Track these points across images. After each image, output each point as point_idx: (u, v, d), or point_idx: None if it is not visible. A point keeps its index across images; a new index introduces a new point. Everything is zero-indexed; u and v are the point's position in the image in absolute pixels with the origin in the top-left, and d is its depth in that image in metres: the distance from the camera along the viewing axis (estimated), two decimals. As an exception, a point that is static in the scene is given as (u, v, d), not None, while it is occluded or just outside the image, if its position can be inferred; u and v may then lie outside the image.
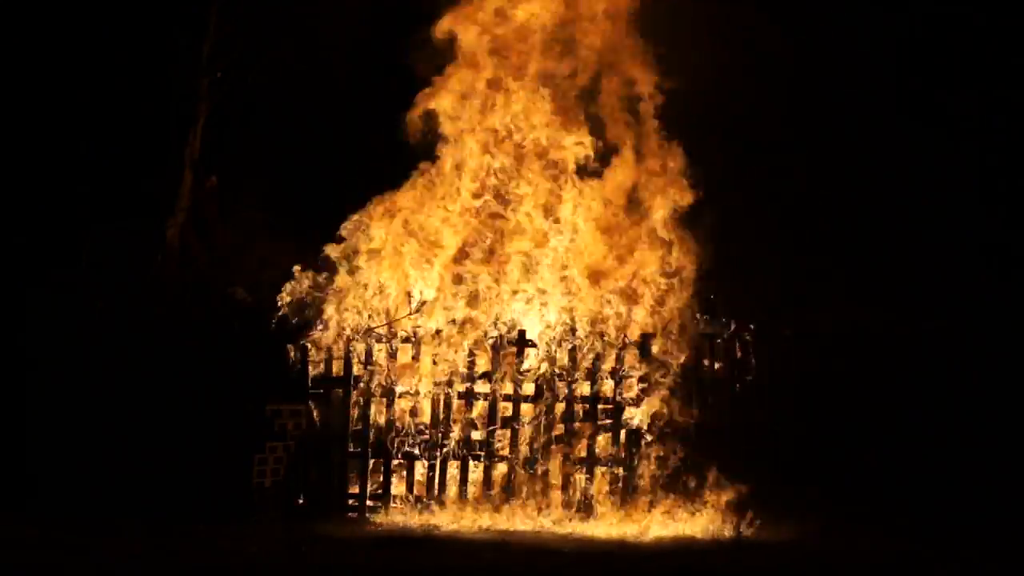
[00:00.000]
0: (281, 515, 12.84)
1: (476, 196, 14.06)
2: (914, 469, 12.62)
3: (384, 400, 13.34)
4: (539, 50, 14.16)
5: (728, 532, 12.41)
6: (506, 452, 13.21)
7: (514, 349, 13.32)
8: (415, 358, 13.36)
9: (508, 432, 13.26)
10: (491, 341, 13.37)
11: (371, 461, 13.35)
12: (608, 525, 12.69)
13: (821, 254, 15.79)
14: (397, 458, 13.33)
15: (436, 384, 13.30)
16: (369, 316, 13.69)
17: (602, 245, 13.92)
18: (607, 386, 13.21)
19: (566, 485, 13.06)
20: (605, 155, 14.16)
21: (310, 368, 13.40)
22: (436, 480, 13.24)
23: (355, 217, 14.07)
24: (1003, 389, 12.93)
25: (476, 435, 13.31)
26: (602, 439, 13.16)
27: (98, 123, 15.50)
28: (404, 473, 13.36)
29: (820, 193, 15.80)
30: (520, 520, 12.80)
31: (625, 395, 13.15)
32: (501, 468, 13.19)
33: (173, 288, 15.13)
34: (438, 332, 13.40)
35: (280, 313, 13.61)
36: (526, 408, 13.26)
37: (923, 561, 11.22)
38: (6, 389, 13.11)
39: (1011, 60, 16.01)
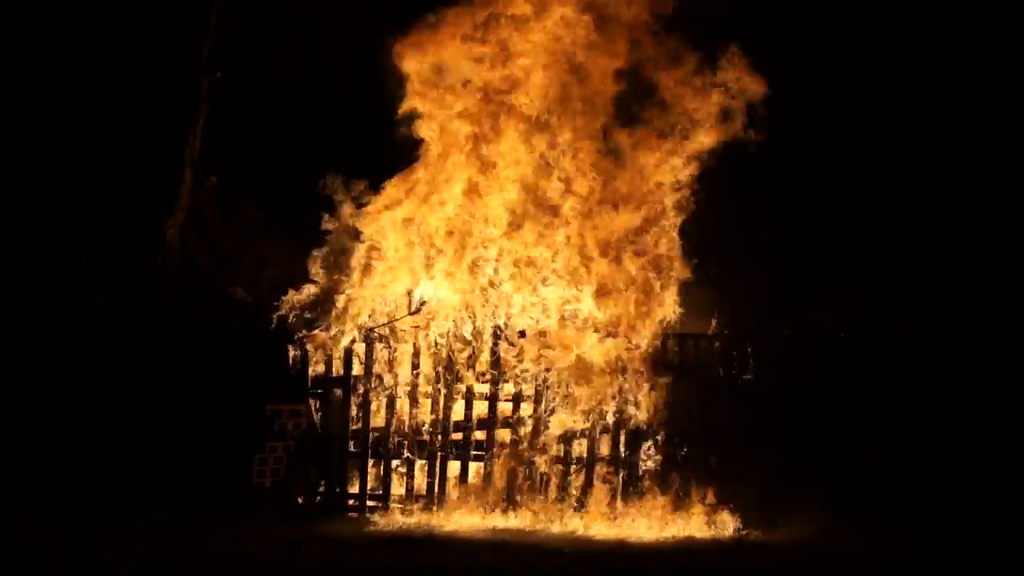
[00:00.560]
0: (281, 515, 12.84)
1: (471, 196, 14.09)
2: (915, 469, 12.61)
3: (384, 400, 13.34)
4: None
5: (728, 532, 12.41)
6: (505, 452, 13.20)
7: (515, 348, 13.32)
8: (415, 358, 13.37)
9: (508, 432, 13.25)
10: (491, 341, 13.37)
11: (371, 461, 13.35)
12: (608, 525, 12.68)
13: (821, 254, 15.78)
14: (397, 458, 13.33)
15: (436, 384, 13.29)
16: (369, 316, 13.69)
17: (602, 245, 13.93)
18: (607, 386, 13.18)
19: (566, 485, 13.06)
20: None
21: (310, 368, 13.40)
22: (436, 480, 13.24)
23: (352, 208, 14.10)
24: (1004, 389, 12.92)
25: (476, 435, 13.31)
26: (602, 440, 13.15)
27: (98, 123, 15.48)
28: (404, 473, 13.35)
29: (819, 193, 15.78)
30: (520, 520, 12.81)
31: (624, 396, 13.13)
32: (501, 468, 13.18)
33: (173, 288, 15.12)
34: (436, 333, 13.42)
35: (280, 313, 13.60)
36: (526, 407, 13.25)
37: (924, 561, 11.21)
38: (6, 389, 13.11)
39: (1013, 58, 16.00)
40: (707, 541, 12.17)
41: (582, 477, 13.11)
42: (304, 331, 13.46)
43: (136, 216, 15.44)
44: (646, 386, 13.14)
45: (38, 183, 15.31)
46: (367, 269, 14.02)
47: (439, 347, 13.37)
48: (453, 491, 13.19)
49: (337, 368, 13.46)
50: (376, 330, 13.51)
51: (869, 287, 14.93)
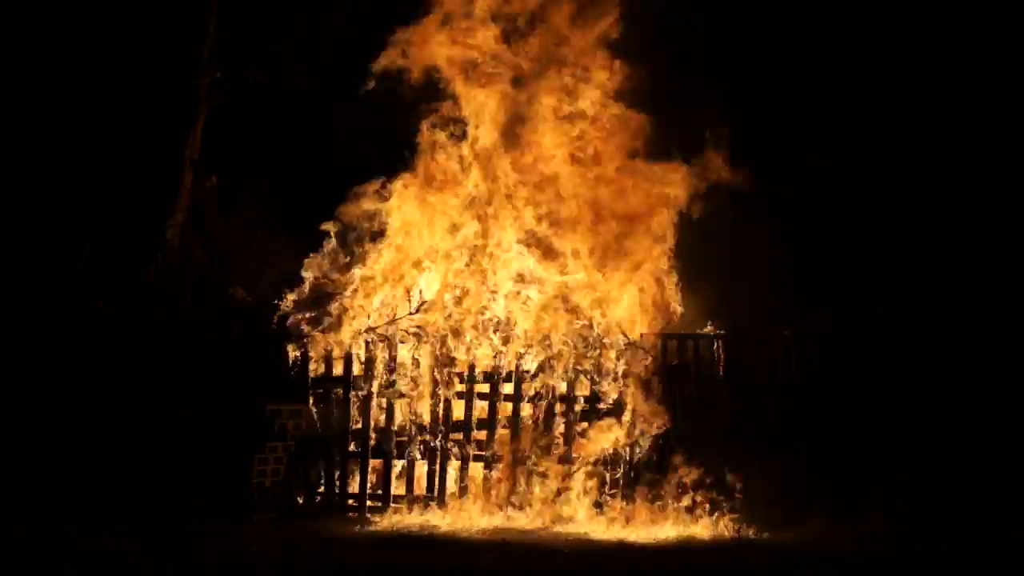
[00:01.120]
0: (281, 515, 12.84)
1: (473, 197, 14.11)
2: (916, 468, 12.60)
3: (384, 400, 13.34)
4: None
5: (728, 532, 12.41)
6: (506, 452, 13.21)
7: (515, 349, 13.33)
8: (415, 358, 13.37)
9: (508, 432, 13.26)
10: (491, 341, 13.39)
11: (371, 461, 13.36)
12: (608, 525, 12.68)
13: (822, 254, 15.78)
14: (397, 458, 13.34)
15: (436, 384, 13.30)
16: (369, 316, 13.70)
17: (601, 245, 13.95)
18: (607, 386, 13.20)
19: (565, 485, 13.06)
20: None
21: (310, 368, 13.41)
22: (436, 480, 13.24)
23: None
24: (1006, 389, 12.91)
25: (476, 435, 13.31)
26: (602, 439, 13.15)
27: (98, 123, 15.51)
28: (404, 473, 13.36)
29: (820, 193, 15.79)
30: (520, 520, 12.80)
31: (625, 396, 13.14)
32: (501, 468, 13.18)
33: (173, 288, 15.14)
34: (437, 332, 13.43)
35: (280, 313, 13.60)
36: (526, 408, 13.26)
37: (924, 560, 11.21)
38: (5, 389, 13.11)
39: (1011, 62, 16.01)
40: (707, 541, 12.17)
41: (582, 477, 13.11)
42: (304, 331, 13.46)
43: (136, 216, 15.46)
44: (646, 386, 13.13)
45: (38, 183, 15.34)
46: (368, 269, 14.04)
47: (439, 347, 13.36)
48: (453, 491, 13.19)
49: (337, 368, 13.46)
50: (376, 330, 13.50)
51: (870, 287, 14.93)
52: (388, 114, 14.44)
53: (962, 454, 12.61)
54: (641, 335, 13.41)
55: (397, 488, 13.35)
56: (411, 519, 12.98)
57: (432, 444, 13.26)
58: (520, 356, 13.34)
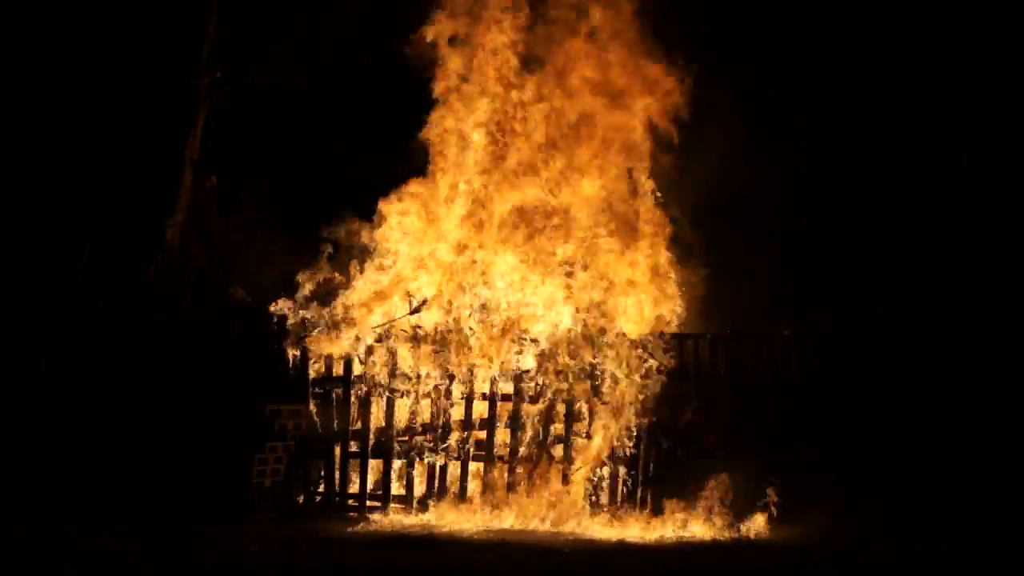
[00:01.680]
0: (281, 515, 12.84)
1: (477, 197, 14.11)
2: (916, 468, 12.60)
3: (384, 400, 13.34)
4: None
5: (728, 532, 12.41)
6: (506, 452, 13.21)
7: (515, 349, 13.32)
8: (415, 358, 13.37)
9: (508, 432, 13.26)
10: (491, 341, 13.39)
11: (371, 461, 13.36)
12: (608, 525, 12.68)
13: (822, 254, 15.79)
14: (397, 458, 13.33)
15: (436, 384, 13.29)
16: (369, 316, 13.70)
17: (601, 244, 13.95)
18: (607, 386, 13.19)
19: (565, 486, 13.05)
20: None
21: (310, 368, 13.40)
22: (436, 480, 13.24)
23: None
24: (1006, 389, 12.90)
25: (476, 435, 13.31)
26: (602, 440, 13.15)
27: (98, 123, 15.50)
28: (404, 473, 13.35)
29: (820, 192, 15.79)
30: (520, 520, 12.80)
31: (625, 396, 13.13)
32: (501, 468, 13.18)
33: (173, 288, 15.13)
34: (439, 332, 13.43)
35: (280, 313, 13.59)
36: (526, 408, 13.25)
37: (924, 560, 11.21)
38: (6, 389, 13.11)
39: (1006, 66, 16.03)
40: (707, 541, 12.17)
41: (582, 478, 13.10)
42: (304, 331, 13.45)
43: (136, 216, 15.45)
44: (646, 386, 13.13)
45: (39, 184, 15.33)
46: (368, 269, 14.05)
47: (439, 346, 13.36)
48: (453, 491, 13.18)
49: (337, 368, 13.46)
50: (376, 330, 13.50)
51: (870, 287, 14.93)
52: (388, 114, 14.46)
53: (962, 454, 12.61)
54: (641, 335, 13.40)
55: (397, 488, 13.35)
56: (411, 519, 12.98)
57: (432, 444, 13.26)
58: (520, 355, 13.32)
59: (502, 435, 13.29)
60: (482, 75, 14.18)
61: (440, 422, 13.27)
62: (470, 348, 13.37)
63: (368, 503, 13.27)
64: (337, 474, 13.33)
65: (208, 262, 15.80)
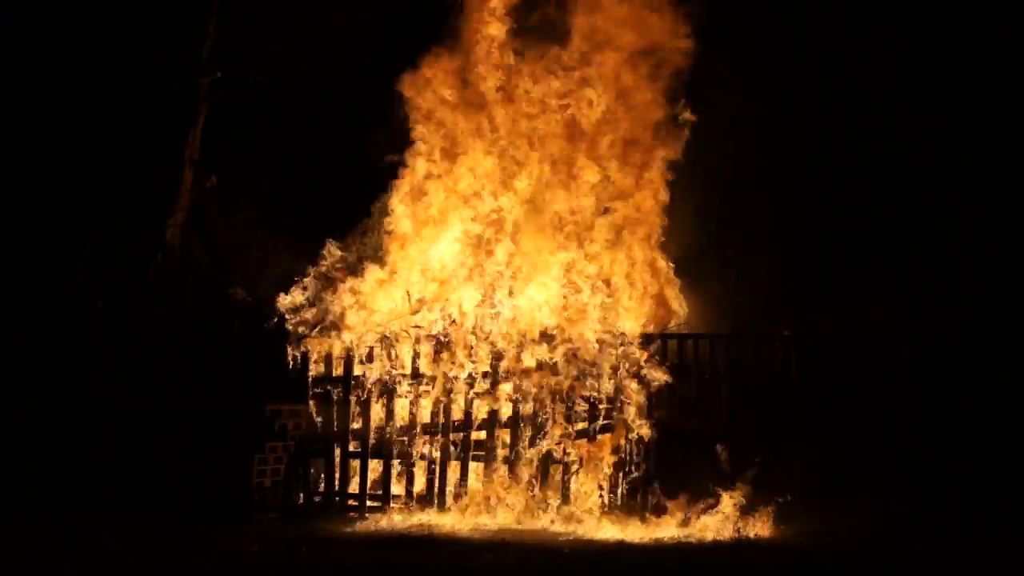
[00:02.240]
0: (281, 515, 12.84)
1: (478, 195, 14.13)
2: (916, 468, 12.60)
3: (384, 400, 13.34)
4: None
5: (728, 532, 12.40)
6: (506, 452, 13.20)
7: (515, 349, 13.33)
8: (415, 358, 13.37)
9: (508, 432, 13.25)
10: (491, 340, 13.39)
11: (371, 461, 13.36)
12: (608, 525, 12.68)
13: (822, 255, 15.79)
14: (397, 458, 13.33)
15: (436, 384, 13.29)
16: (369, 315, 13.70)
17: (600, 245, 13.97)
18: (607, 386, 13.19)
19: (565, 486, 13.06)
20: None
21: (310, 368, 13.40)
22: (436, 480, 13.24)
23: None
24: (1006, 389, 12.91)
25: (476, 435, 13.31)
26: (602, 439, 13.15)
27: (98, 123, 15.50)
28: (404, 473, 13.35)
29: (821, 193, 15.81)
30: (519, 520, 12.80)
31: (625, 396, 13.14)
32: (501, 468, 13.18)
33: (173, 288, 15.13)
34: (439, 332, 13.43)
35: (280, 313, 13.60)
36: (526, 408, 13.25)
37: (924, 560, 11.20)
38: (6, 390, 13.11)
39: (1007, 67, 16.05)
40: (707, 541, 12.16)
41: (582, 477, 13.11)
42: (304, 330, 13.46)
43: (136, 216, 15.46)
44: (646, 387, 13.13)
45: (38, 184, 15.33)
46: (368, 268, 14.06)
47: (439, 346, 13.36)
48: (453, 491, 13.18)
49: (337, 368, 13.46)
50: (376, 330, 13.50)
51: (870, 287, 14.93)
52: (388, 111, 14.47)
53: (962, 454, 12.61)
54: (641, 335, 13.40)
55: (397, 488, 13.35)
56: (411, 519, 12.97)
57: (432, 444, 13.25)
58: (520, 355, 13.32)
59: (502, 435, 13.29)
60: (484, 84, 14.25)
61: (440, 422, 13.27)
62: (470, 348, 13.37)
63: (368, 503, 13.27)
64: (337, 474, 13.34)
65: (208, 262, 15.80)
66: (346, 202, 14.49)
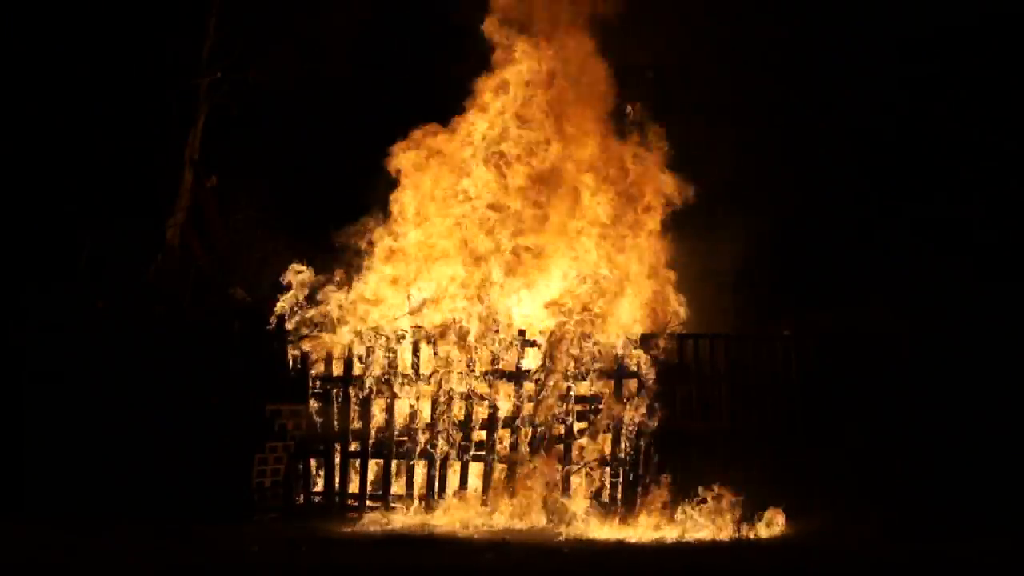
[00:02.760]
0: (281, 515, 12.84)
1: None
2: (916, 468, 12.60)
3: (384, 400, 13.34)
4: None
5: (728, 532, 12.40)
6: (506, 452, 13.20)
7: (514, 349, 13.32)
8: (415, 358, 13.37)
9: (508, 432, 13.25)
10: (490, 341, 13.38)
11: (371, 461, 13.35)
12: (607, 525, 12.68)
13: (822, 255, 15.79)
14: (397, 458, 13.33)
15: (436, 383, 13.28)
16: (370, 316, 13.70)
17: (599, 245, 13.97)
18: (607, 386, 13.19)
19: (565, 486, 13.05)
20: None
21: (310, 368, 13.40)
22: (436, 480, 13.23)
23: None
24: (1005, 389, 12.90)
25: (476, 435, 13.30)
26: (602, 440, 13.14)
27: (98, 123, 15.50)
28: (404, 473, 13.35)
29: (821, 193, 15.80)
30: (520, 520, 12.79)
31: (625, 396, 13.13)
32: (501, 468, 13.17)
33: (173, 288, 15.13)
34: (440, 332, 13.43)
35: (280, 313, 13.59)
36: (526, 408, 13.24)
37: (924, 560, 11.20)
38: (6, 390, 13.10)
39: (1007, 66, 16.05)
40: (707, 541, 12.16)
41: (582, 477, 13.10)
42: (304, 330, 13.45)
43: (136, 216, 15.46)
44: (646, 386, 13.13)
45: (39, 183, 15.33)
46: (368, 268, 14.06)
47: (439, 347, 13.36)
48: (453, 491, 13.18)
49: (337, 368, 13.45)
50: (377, 330, 13.50)
51: (870, 287, 14.93)
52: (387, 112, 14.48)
53: (963, 454, 12.60)
54: (641, 335, 13.39)
55: (397, 488, 13.35)
56: (411, 519, 12.97)
57: (432, 444, 13.25)
58: (520, 356, 13.32)
59: (502, 435, 13.29)
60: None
61: (440, 422, 13.27)
62: (470, 348, 13.36)
63: (368, 503, 13.27)
64: (337, 474, 13.34)
65: (208, 262, 15.80)
66: (346, 202, 14.47)
